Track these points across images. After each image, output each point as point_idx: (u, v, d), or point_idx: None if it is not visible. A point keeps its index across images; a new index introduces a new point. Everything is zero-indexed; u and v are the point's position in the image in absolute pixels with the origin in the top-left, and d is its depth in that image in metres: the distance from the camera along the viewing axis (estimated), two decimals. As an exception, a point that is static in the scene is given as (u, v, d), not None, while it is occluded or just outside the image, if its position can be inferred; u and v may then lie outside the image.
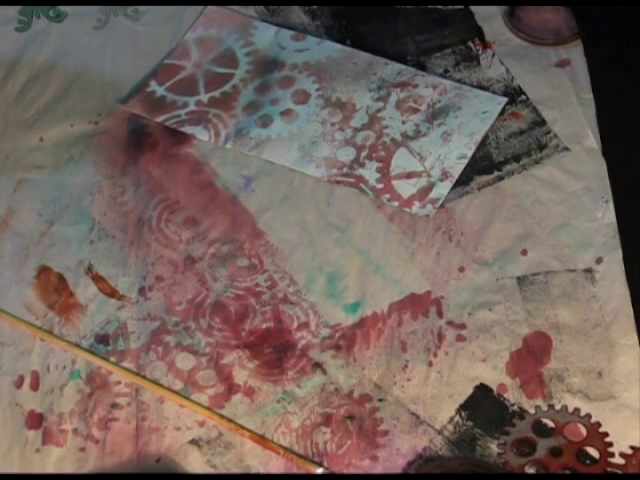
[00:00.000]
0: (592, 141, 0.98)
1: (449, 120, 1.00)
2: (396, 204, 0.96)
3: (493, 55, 1.05)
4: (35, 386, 0.88)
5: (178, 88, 1.05)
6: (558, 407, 0.84)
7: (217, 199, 0.98)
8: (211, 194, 0.98)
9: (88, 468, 0.85)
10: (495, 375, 0.86)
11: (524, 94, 1.01)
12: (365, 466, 0.83)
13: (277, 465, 0.84)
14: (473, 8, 1.08)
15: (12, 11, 1.12)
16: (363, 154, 0.99)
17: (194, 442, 0.85)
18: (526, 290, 0.90)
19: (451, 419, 0.85)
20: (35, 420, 0.87)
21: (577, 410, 0.84)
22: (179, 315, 0.91)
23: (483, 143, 0.99)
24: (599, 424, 0.83)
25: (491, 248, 0.93)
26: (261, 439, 0.85)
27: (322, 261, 0.93)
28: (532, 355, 0.87)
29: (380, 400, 0.86)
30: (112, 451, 0.85)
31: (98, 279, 0.94)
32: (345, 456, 0.84)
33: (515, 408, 0.85)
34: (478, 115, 1.00)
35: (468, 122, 1.00)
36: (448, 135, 0.99)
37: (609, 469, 0.82)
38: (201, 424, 0.86)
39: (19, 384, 0.88)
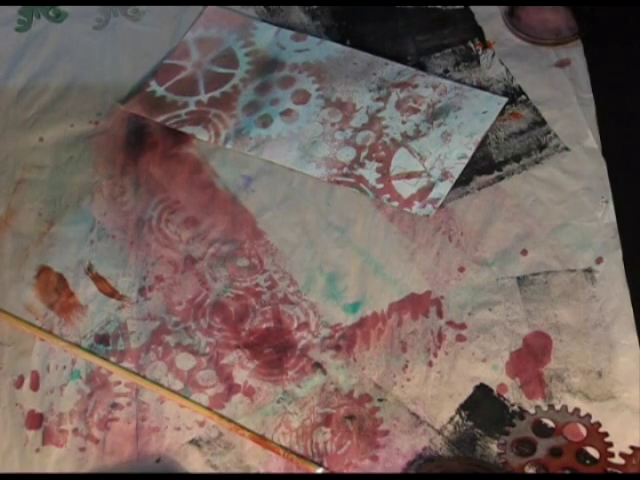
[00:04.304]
0: (592, 141, 0.98)
1: (449, 120, 1.00)
2: (396, 204, 0.96)
3: (493, 55, 1.05)
4: (35, 386, 0.88)
5: (178, 88, 1.05)
6: (558, 407, 0.84)
7: (217, 199, 0.98)
8: (211, 194, 0.98)
9: (88, 468, 0.85)
10: (495, 375, 0.86)
11: (524, 94, 1.01)
12: (365, 466, 0.83)
13: (277, 465, 0.84)
14: (473, 8, 1.08)
15: (12, 11, 1.12)
16: (363, 154, 0.99)
17: (194, 442, 0.85)
18: (526, 290, 0.90)
19: (451, 419, 0.85)
20: (35, 420, 0.87)
21: (577, 410, 0.84)
22: (179, 315, 0.91)
23: (483, 143, 0.99)
24: (599, 424, 0.83)
25: (491, 248, 0.93)
26: (261, 439, 0.85)
27: (322, 261, 0.93)
28: (532, 355, 0.87)
29: (380, 400, 0.86)
30: (112, 451, 0.85)
31: (98, 279, 0.94)
32: (345, 456, 0.84)
33: (515, 408, 0.85)
34: (478, 115, 1.00)
35: (468, 122, 1.00)
36: (448, 135, 0.99)
37: (609, 469, 0.82)
38: (201, 424, 0.86)
39: (19, 384, 0.88)
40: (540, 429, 0.84)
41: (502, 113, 1.00)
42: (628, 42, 1.03)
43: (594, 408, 0.84)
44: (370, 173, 0.98)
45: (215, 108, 1.03)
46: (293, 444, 0.85)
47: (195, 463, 0.84)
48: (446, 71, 1.04)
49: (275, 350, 0.89)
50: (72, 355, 0.90)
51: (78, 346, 0.90)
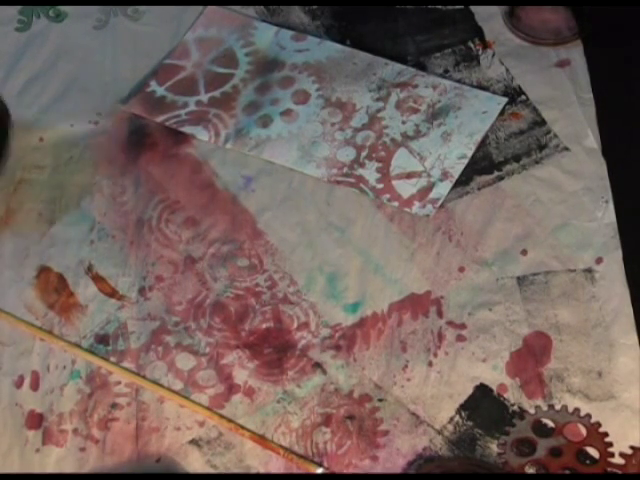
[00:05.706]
0: (592, 141, 0.98)
1: (449, 120, 1.00)
2: (396, 204, 0.96)
3: (493, 55, 1.05)
4: (35, 386, 0.88)
5: (178, 88, 1.05)
6: (558, 407, 0.84)
7: (217, 199, 0.98)
8: (211, 194, 0.98)
9: (88, 468, 0.85)
10: (495, 375, 0.86)
11: (524, 94, 1.01)
12: (365, 466, 0.83)
13: (277, 465, 0.84)
14: (473, 8, 1.08)
15: (12, 11, 1.12)
16: (363, 154, 0.99)
17: (194, 442, 0.85)
18: (526, 290, 0.90)
19: (451, 419, 0.85)
20: (35, 420, 0.87)
21: (577, 410, 0.84)
22: (179, 315, 0.91)
23: (483, 143, 0.99)
24: (599, 424, 0.83)
25: (491, 248, 0.93)
26: (261, 439, 0.85)
27: (322, 261, 0.93)
28: (532, 355, 0.87)
29: (380, 400, 0.86)
30: (112, 451, 0.85)
31: (98, 279, 0.94)
32: (345, 456, 0.84)
33: (515, 408, 0.85)
34: (478, 115, 1.00)
35: (468, 122, 1.00)
36: (448, 135, 0.99)
37: (609, 469, 0.82)
38: (201, 424, 0.86)
39: (19, 384, 0.88)
40: (540, 429, 0.84)
41: (502, 113, 1.00)
42: (628, 42, 1.03)
43: (594, 408, 0.84)
44: (370, 173, 0.98)
45: (215, 108, 1.03)
46: (293, 444, 0.85)
47: (195, 463, 0.84)
48: (446, 71, 1.04)
49: (275, 350, 0.89)
50: (72, 355, 0.90)
51: (78, 346, 0.90)
